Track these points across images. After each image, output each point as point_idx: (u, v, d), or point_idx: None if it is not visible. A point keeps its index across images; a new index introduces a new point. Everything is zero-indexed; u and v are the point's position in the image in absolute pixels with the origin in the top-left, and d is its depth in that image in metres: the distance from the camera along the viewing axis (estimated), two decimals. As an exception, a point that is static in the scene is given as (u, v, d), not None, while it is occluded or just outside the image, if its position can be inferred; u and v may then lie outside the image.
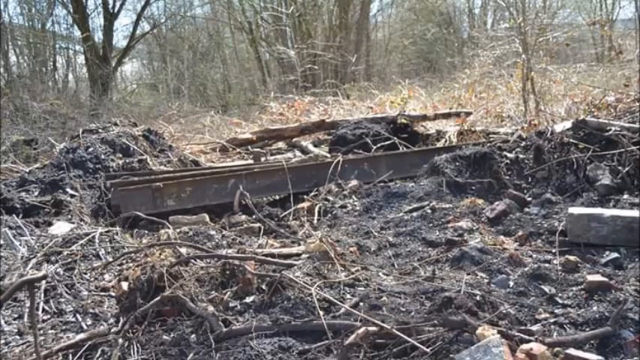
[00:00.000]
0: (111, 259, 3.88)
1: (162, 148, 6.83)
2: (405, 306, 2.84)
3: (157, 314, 2.90)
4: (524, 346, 2.28)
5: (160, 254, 3.34)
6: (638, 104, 5.87)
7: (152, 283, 3.02)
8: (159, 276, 3.02)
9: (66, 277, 3.64)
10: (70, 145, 6.19)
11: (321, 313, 2.70)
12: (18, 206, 4.99)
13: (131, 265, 3.60)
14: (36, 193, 5.36)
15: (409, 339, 2.39)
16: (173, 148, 7.10)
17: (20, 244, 4.07)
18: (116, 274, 3.67)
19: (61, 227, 4.52)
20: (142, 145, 6.55)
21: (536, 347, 2.26)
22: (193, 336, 2.70)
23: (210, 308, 2.86)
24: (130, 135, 6.54)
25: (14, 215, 4.72)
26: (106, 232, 4.38)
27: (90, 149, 6.06)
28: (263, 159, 6.85)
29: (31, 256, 3.85)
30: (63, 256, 3.87)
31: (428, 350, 2.34)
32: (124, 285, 3.10)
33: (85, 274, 3.69)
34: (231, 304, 2.94)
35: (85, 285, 3.55)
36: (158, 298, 2.91)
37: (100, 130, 6.60)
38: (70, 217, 4.88)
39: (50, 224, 4.67)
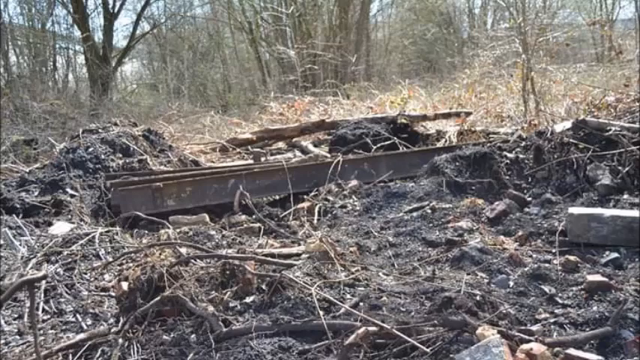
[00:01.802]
0: (111, 259, 3.87)
1: (162, 148, 6.82)
2: (405, 306, 2.84)
3: (157, 314, 2.90)
4: (524, 346, 2.28)
5: (160, 254, 3.34)
6: (638, 104, 5.87)
7: (152, 283, 3.01)
8: (159, 276, 3.02)
9: (66, 277, 3.64)
10: (70, 145, 6.18)
11: (321, 313, 2.70)
12: (18, 206, 4.99)
13: (131, 265, 3.59)
14: (36, 193, 5.36)
15: (409, 339, 2.39)
16: (173, 148, 7.09)
17: (20, 244, 4.07)
18: (116, 274, 3.66)
19: (61, 227, 4.52)
20: (142, 145, 6.54)
21: (536, 347, 2.26)
22: (193, 336, 2.70)
23: (210, 308, 2.86)
24: (130, 135, 6.53)
25: (14, 215, 4.72)
26: (106, 232, 4.38)
27: (90, 149, 6.05)
28: (263, 159, 6.85)
29: (31, 256, 3.85)
30: (63, 256, 3.87)
31: (428, 350, 2.34)
32: (124, 285, 3.09)
33: (85, 274, 3.69)
34: (231, 304, 2.94)
35: (85, 285, 3.55)
36: (158, 298, 2.91)
37: (100, 130, 6.59)
38: (70, 217, 4.88)
39: (50, 224, 4.67)
